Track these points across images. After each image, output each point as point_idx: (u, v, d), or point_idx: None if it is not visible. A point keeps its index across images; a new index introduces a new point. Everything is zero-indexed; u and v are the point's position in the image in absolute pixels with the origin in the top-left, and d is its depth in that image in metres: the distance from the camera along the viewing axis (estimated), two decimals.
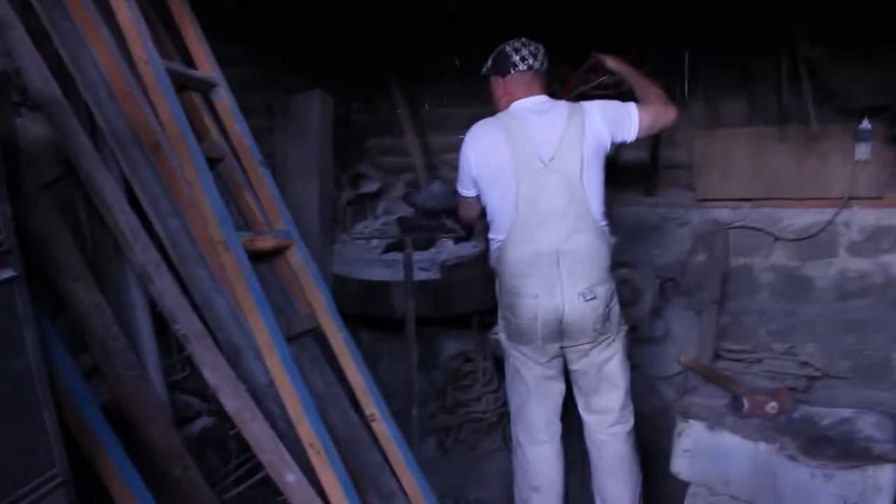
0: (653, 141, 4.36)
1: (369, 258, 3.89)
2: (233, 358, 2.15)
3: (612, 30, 4.01)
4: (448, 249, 3.94)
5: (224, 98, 2.57)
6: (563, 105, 2.79)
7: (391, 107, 4.84)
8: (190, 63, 2.60)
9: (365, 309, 3.88)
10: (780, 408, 2.54)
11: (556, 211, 2.67)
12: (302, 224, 3.84)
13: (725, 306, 4.37)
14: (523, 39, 2.88)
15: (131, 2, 2.29)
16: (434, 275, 3.72)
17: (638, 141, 2.87)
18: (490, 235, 2.92)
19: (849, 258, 4.24)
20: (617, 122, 2.75)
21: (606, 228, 2.82)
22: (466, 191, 2.95)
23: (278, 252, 2.47)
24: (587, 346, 2.78)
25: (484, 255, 3.80)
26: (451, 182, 4.55)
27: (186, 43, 2.60)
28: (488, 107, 4.73)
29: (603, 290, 2.73)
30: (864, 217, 4.20)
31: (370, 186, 4.60)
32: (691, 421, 2.54)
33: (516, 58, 2.82)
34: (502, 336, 2.97)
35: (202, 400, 2.47)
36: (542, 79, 2.88)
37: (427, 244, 3.92)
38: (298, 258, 2.49)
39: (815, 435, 2.43)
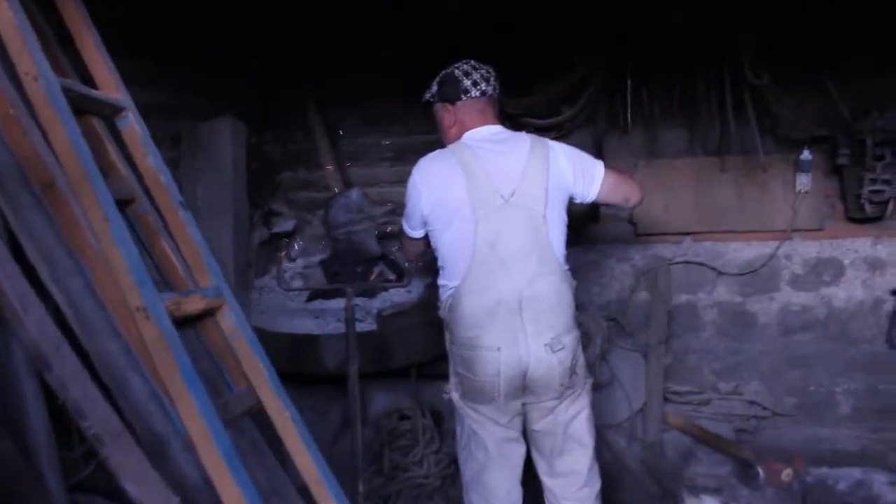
0: None
1: (293, 308, 3.44)
2: (156, 452, 1.68)
3: (554, 49, 3.75)
4: (382, 296, 3.53)
5: (133, 125, 2.09)
6: (523, 135, 2.63)
7: (306, 135, 4.39)
8: (89, 82, 2.10)
9: (290, 366, 3.40)
10: (795, 474, 2.26)
11: (519, 252, 2.45)
12: None
13: (669, 345, 4.16)
14: (472, 62, 2.64)
15: (15, 4, 1.79)
16: (369, 326, 3.30)
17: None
18: (440, 281, 2.64)
19: (791, 292, 4.18)
20: (580, 171, 2.58)
21: (569, 272, 2.60)
22: (414, 231, 2.71)
23: (207, 314, 2.00)
24: (553, 403, 2.55)
25: (424, 302, 3.42)
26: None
27: (84, 57, 2.11)
28: (415, 135, 4.44)
29: (570, 339, 2.52)
30: (806, 249, 4.17)
31: (284, 225, 4.14)
32: (704, 497, 2.22)
33: (467, 82, 2.59)
34: (455, 395, 2.66)
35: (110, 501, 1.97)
36: (495, 106, 2.68)
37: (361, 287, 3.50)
38: (232, 320, 2.02)
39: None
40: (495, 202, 2.44)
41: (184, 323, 1.91)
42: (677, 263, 4.19)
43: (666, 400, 4.13)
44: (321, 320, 3.33)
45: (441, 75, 2.66)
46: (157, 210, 2.08)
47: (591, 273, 4.29)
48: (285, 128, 4.43)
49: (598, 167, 2.60)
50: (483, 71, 2.61)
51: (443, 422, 3.89)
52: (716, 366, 4.26)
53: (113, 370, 1.71)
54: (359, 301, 3.47)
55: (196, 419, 1.67)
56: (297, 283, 3.64)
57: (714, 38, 3.74)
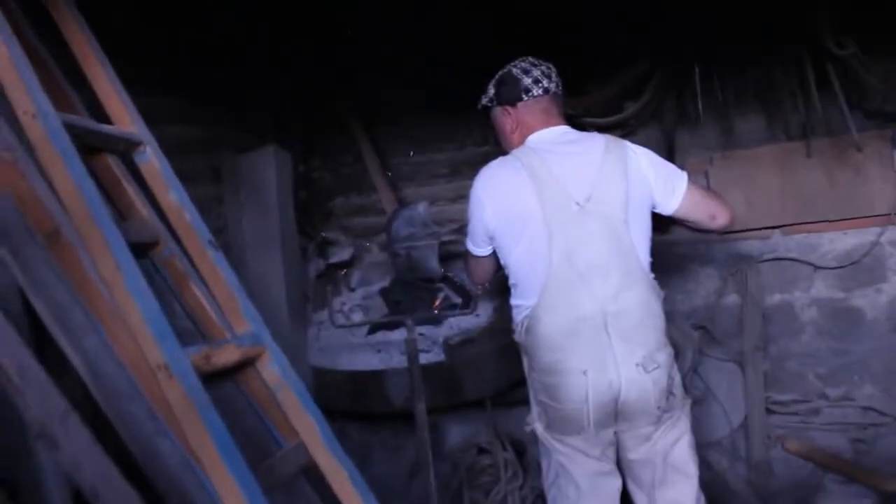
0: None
1: (354, 342, 3.20)
2: None
3: (612, 42, 3.46)
4: (449, 322, 3.27)
5: (152, 160, 1.89)
6: (595, 135, 2.42)
7: (356, 159, 4.18)
8: (103, 118, 1.91)
9: (354, 405, 3.19)
10: None
11: (600, 264, 2.21)
12: (267, 310, 3.16)
13: (766, 351, 3.79)
14: (530, 59, 2.41)
15: (8, 36, 1.61)
16: (436, 356, 3.05)
17: None
18: (514, 302, 2.39)
19: None
20: (663, 177, 2.34)
21: (656, 281, 2.35)
22: (479, 248, 2.45)
23: (246, 364, 1.76)
24: (649, 429, 2.30)
25: (494, 327, 3.14)
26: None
27: (96, 91, 1.92)
28: (469, 147, 4.20)
29: (664, 356, 2.27)
30: None
31: (341, 255, 3.93)
32: None
33: (527, 81, 2.36)
34: (538, 427, 2.41)
35: None
36: (560, 104, 2.44)
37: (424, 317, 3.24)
38: (275, 370, 1.78)
39: None
40: (570, 209, 2.20)
41: (218, 376, 1.68)
42: (767, 261, 3.81)
43: (769, 412, 3.75)
44: (384, 354, 3.09)
45: (497, 76, 2.43)
46: (185, 251, 1.86)
47: (673, 279, 3.94)
48: (333, 153, 4.23)
49: (682, 178, 2.35)
50: (543, 67, 2.38)
51: (525, 452, 3.61)
52: (821, 370, 3.83)
53: (139, 436, 1.49)
54: (423, 330, 3.23)
55: (232, 490, 1.43)
56: (357, 316, 3.41)
57: (787, 11, 3.37)
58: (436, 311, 3.30)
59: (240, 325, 1.81)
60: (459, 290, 3.58)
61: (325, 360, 3.27)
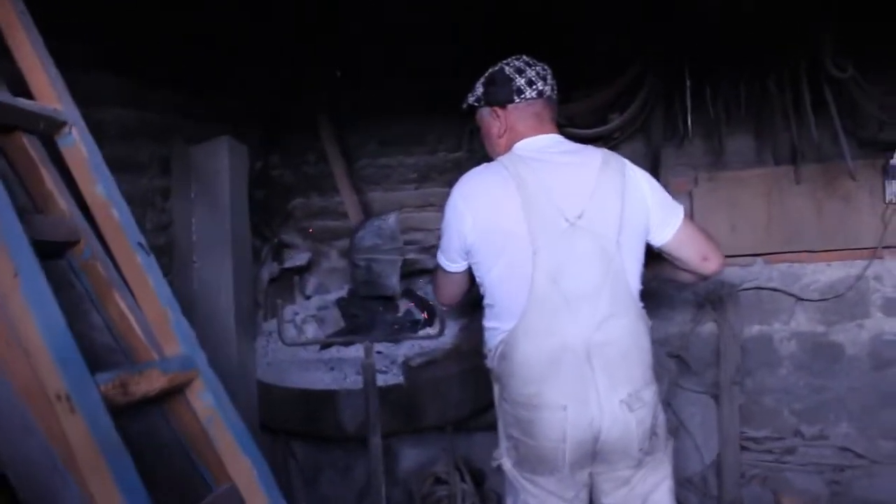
0: None
1: (305, 358, 2.92)
2: None
3: (599, 49, 3.25)
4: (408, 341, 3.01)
5: (78, 145, 1.60)
6: (591, 148, 2.17)
7: (319, 158, 3.91)
8: (26, 95, 1.62)
9: (304, 426, 2.91)
10: None
11: (587, 288, 2.00)
12: (213, 318, 2.88)
13: (742, 384, 3.60)
14: (524, 58, 2.18)
15: None
16: (394, 377, 2.78)
17: None
18: (487, 324, 2.15)
19: (883, 319, 3.61)
20: (659, 204, 2.13)
21: (644, 311, 2.13)
22: (453, 264, 2.19)
23: (174, 391, 1.49)
24: (629, 472, 2.09)
25: (458, 348, 2.89)
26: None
27: (17, 59, 1.63)
28: (440, 154, 3.95)
29: (650, 394, 2.08)
30: None
31: (299, 259, 3.65)
32: None
33: (520, 81, 2.13)
34: (506, 463, 2.17)
35: None
36: (554, 110, 2.22)
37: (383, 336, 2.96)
38: (208, 400, 1.51)
39: None
40: (559, 226, 1.98)
41: (139, 405, 1.40)
42: (747, 289, 3.64)
43: (742, 448, 3.57)
44: (337, 372, 2.82)
45: (488, 74, 2.19)
46: (110, 254, 1.58)
47: (647, 303, 3.72)
48: (295, 150, 3.96)
49: (679, 209, 2.15)
50: (538, 68, 2.15)
51: (485, 482, 3.36)
52: (797, 406, 3.69)
53: (32, 481, 1.21)
54: (381, 348, 2.97)
55: None
56: (310, 329, 3.13)
57: (787, 26, 3.20)
58: (396, 329, 3.04)
59: (169, 344, 1.53)
60: (423, 304, 3.32)
61: (273, 376, 2.98)
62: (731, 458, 3.47)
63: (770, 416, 3.69)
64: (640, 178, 2.11)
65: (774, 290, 3.63)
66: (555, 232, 1.97)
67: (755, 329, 3.67)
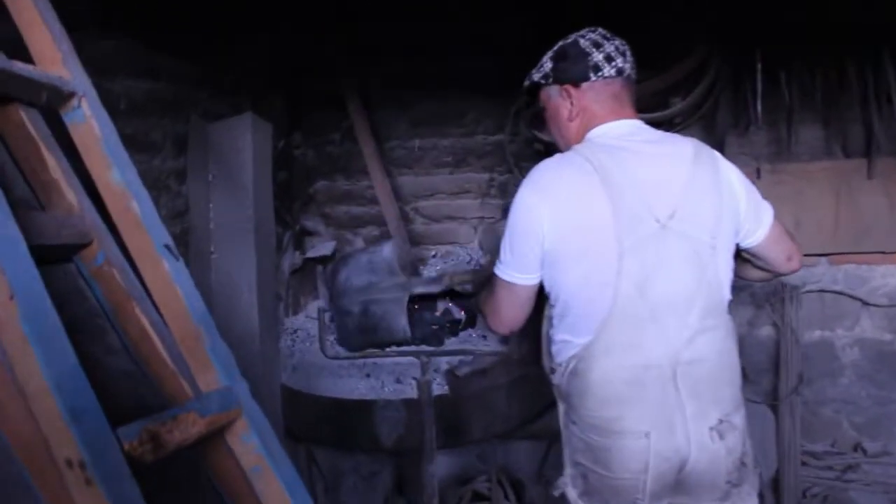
0: None
1: (337, 362, 2.60)
2: None
3: (668, 24, 2.94)
4: (451, 341, 2.71)
5: (90, 121, 1.29)
6: (679, 138, 1.92)
7: (345, 137, 3.59)
8: (23, 56, 1.30)
9: (335, 437, 2.61)
10: None
11: (677, 298, 1.74)
12: (234, 317, 2.57)
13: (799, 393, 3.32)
14: (601, 30, 1.87)
15: None
16: (438, 387, 2.48)
17: None
18: (557, 336, 1.87)
19: None
20: (752, 202, 1.90)
21: (733, 323, 1.89)
22: (523, 275, 1.84)
23: (213, 434, 1.18)
24: None
25: (508, 357, 2.60)
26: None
27: (12, 14, 1.31)
28: (478, 137, 3.64)
29: (740, 419, 1.84)
30: None
31: (323, 248, 3.33)
32: None
33: (598, 56, 1.83)
34: (572, 493, 1.90)
35: None
36: (633, 91, 1.91)
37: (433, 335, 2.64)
38: (253, 443, 1.21)
39: None
40: (648, 227, 1.71)
41: (169, 456, 1.09)
42: (810, 292, 3.34)
43: (803, 464, 3.29)
44: (374, 380, 2.52)
45: (558, 47, 1.88)
46: (128, 257, 1.27)
47: None
48: (319, 128, 3.63)
49: (768, 208, 1.92)
50: (617, 42, 1.85)
51: (525, 493, 3.09)
52: (858, 419, 3.43)
53: None
54: (407, 349, 2.65)
55: None
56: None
57: (869, 8, 2.88)
58: (436, 329, 2.73)
59: (205, 374, 1.22)
60: (462, 302, 3.01)
61: (300, 382, 2.67)
62: (792, 476, 3.19)
63: (829, 429, 3.44)
64: (731, 173, 1.86)
65: (839, 293, 3.35)
66: (644, 233, 1.70)
67: (816, 334, 3.41)
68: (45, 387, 0.89)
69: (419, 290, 2.82)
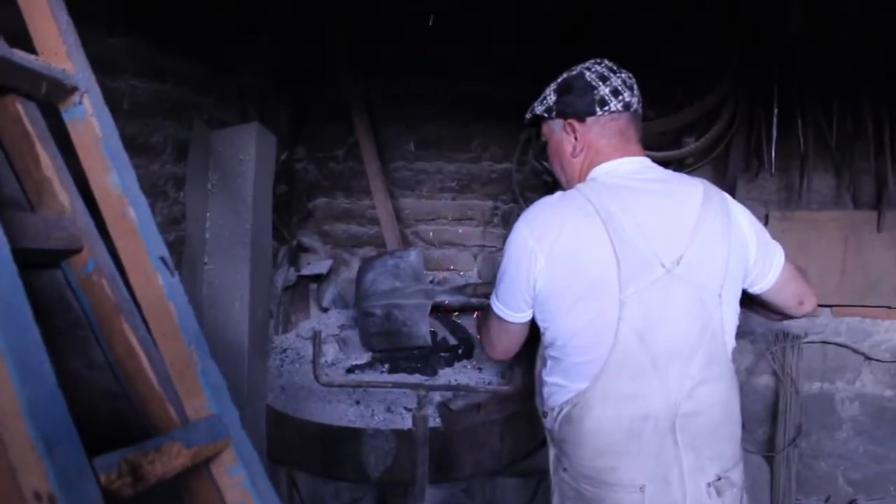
0: None
1: (326, 387, 2.50)
2: None
3: (679, 63, 2.90)
4: (445, 372, 2.62)
5: (90, 119, 1.21)
6: (687, 178, 1.82)
7: (348, 154, 3.52)
8: (28, 46, 1.22)
9: (319, 464, 2.50)
10: None
11: (680, 347, 1.66)
12: (223, 331, 2.48)
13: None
14: (608, 63, 1.80)
15: None
16: (430, 420, 2.38)
17: None
18: (549, 378, 1.80)
19: None
20: (762, 246, 1.81)
21: (735, 374, 1.82)
22: (513, 313, 1.79)
23: (197, 466, 1.09)
24: None
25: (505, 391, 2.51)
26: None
27: (21, 5, 1.23)
28: (484, 164, 3.58)
29: (738, 474, 1.77)
30: None
31: (319, 266, 3.25)
32: None
33: (604, 90, 1.76)
34: None
35: None
36: (639, 128, 1.84)
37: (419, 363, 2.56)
38: (239, 476, 1.12)
39: None
40: (653, 273, 1.62)
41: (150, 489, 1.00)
42: (812, 343, 3.27)
43: None
44: (363, 407, 2.43)
45: (562, 79, 1.81)
46: (121, 269, 1.18)
47: None
48: (322, 143, 3.55)
49: (779, 250, 1.84)
50: (624, 75, 1.77)
51: None
52: (854, 475, 3.36)
53: None
54: (405, 379, 2.56)
55: None
56: (331, 350, 2.72)
57: (886, 58, 2.85)
58: (427, 357, 2.65)
59: (193, 398, 1.13)
60: (458, 331, 2.93)
61: (286, 404, 2.57)
62: None
63: (824, 484, 3.37)
64: (741, 216, 1.78)
65: (842, 345, 3.29)
66: (649, 279, 1.62)
67: (815, 386, 3.34)
68: (17, 410, 0.80)
69: (443, 298, 2.80)
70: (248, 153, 2.57)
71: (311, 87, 3.45)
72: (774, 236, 3.16)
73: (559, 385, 1.74)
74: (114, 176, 1.19)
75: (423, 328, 2.72)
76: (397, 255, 2.93)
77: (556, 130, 1.82)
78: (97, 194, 1.20)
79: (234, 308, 2.51)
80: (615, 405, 1.65)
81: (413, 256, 2.93)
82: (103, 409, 1.16)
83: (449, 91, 3.32)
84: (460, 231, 3.49)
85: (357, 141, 3.35)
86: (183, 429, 1.05)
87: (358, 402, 2.46)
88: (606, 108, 1.73)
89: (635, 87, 1.77)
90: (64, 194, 1.17)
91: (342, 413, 2.44)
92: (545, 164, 3.01)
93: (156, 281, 1.15)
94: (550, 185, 3.10)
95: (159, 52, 2.36)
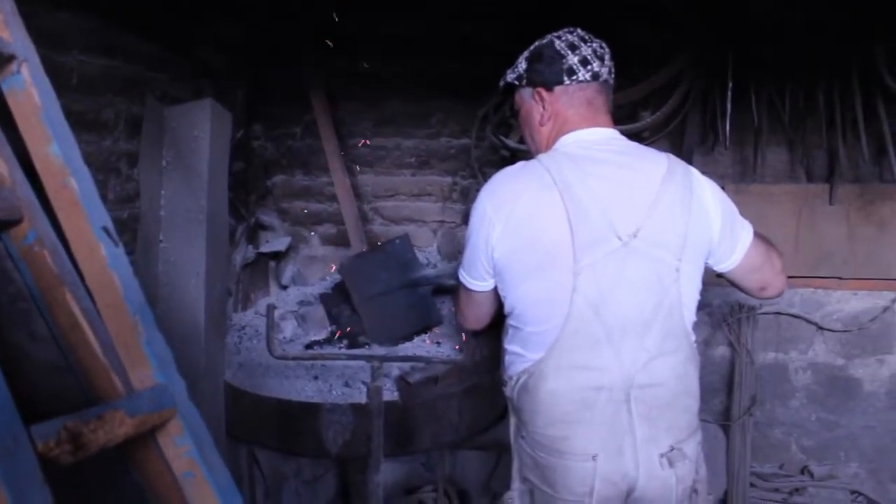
0: None
1: (284, 362, 2.50)
2: None
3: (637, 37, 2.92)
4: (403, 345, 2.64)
5: (30, 89, 1.19)
6: (653, 151, 1.81)
7: (306, 132, 3.50)
8: None
9: (278, 440, 2.51)
10: None
11: (635, 320, 1.67)
12: (180, 311, 2.46)
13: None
14: (579, 31, 1.80)
15: None
16: (388, 393, 2.40)
17: None
18: (509, 346, 1.82)
19: None
20: (728, 222, 1.79)
21: (696, 347, 1.82)
22: (477, 282, 1.83)
23: (143, 435, 1.09)
24: None
25: (462, 364, 2.53)
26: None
27: None
28: (442, 139, 3.57)
29: (693, 446, 1.78)
30: None
31: (278, 243, 3.23)
32: None
33: (573, 59, 1.76)
34: None
35: None
36: (609, 98, 1.84)
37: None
38: (186, 445, 1.12)
39: None
40: (609, 244, 1.63)
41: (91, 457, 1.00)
42: (766, 314, 3.35)
43: (751, 486, 3.29)
44: (322, 382, 2.43)
45: (532, 48, 1.81)
46: (64, 240, 1.17)
47: None
48: (280, 120, 3.53)
49: (747, 229, 1.82)
50: (595, 45, 1.77)
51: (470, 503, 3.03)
52: (806, 442, 3.46)
53: None
54: (365, 352, 2.58)
55: None
56: (289, 327, 2.73)
57: (842, 34, 2.90)
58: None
59: (138, 369, 1.13)
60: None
61: (245, 380, 2.57)
62: (741, 497, 3.18)
63: (777, 451, 3.46)
64: (707, 191, 1.75)
65: (795, 316, 3.37)
66: (604, 251, 1.63)
67: (770, 356, 3.42)
68: None
69: (438, 279, 2.91)
70: (202, 130, 2.54)
71: (269, 65, 3.41)
72: None
73: (518, 354, 1.76)
74: (54, 146, 1.18)
75: (433, 308, 2.82)
76: (382, 250, 2.99)
77: (526, 99, 1.83)
78: (38, 165, 1.19)
79: (191, 285, 2.50)
80: (568, 375, 1.67)
81: (399, 246, 2.97)
82: (47, 383, 1.16)
83: (407, 67, 3.30)
84: (420, 207, 3.49)
85: (314, 119, 3.32)
86: (126, 398, 1.05)
87: (316, 378, 2.46)
88: (574, 77, 1.73)
89: (606, 56, 1.77)
90: (2, 164, 1.15)
91: (300, 388, 2.44)
92: (502, 138, 3.03)
93: (99, 251, 1.14)
94: (508, 159, 3.11)
95: (110, 28, 2.31)
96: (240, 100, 3.26)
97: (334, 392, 2.40)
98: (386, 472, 3.02)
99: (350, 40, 3.30)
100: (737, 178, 3.33)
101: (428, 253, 3.41)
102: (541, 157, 1.74)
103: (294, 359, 2.34)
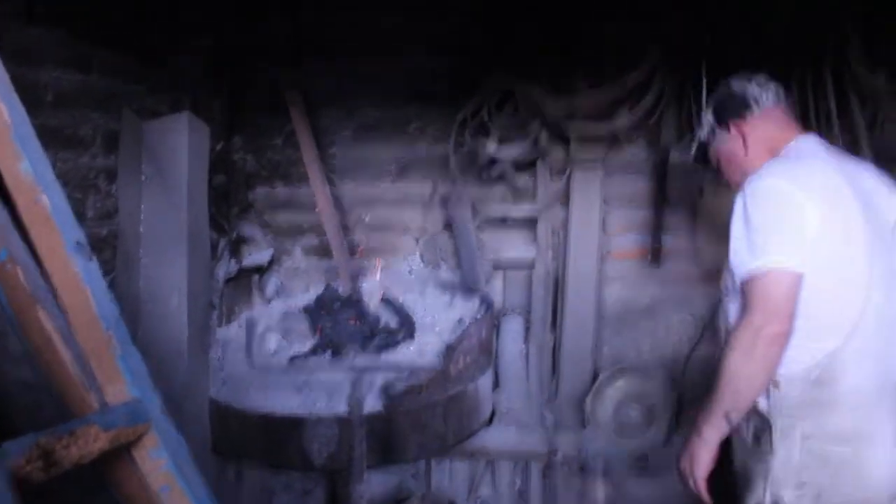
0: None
1: (268, 376, 2.49)
2: None
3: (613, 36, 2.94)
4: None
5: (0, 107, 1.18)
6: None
7: (286, 143, 3.49)
8: None
9: (264, 454, 2.50)
10: None
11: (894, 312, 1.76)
12: (162, 326, 2.45)
13: None
14: (738, 75, 2.01)
15: None
16: (372, 405, 2.39)
17: None
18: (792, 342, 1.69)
19: None
20: None
21: None
22: (791, 258, 1.65)
23: (119, 450, 1.08)
24: None
25: (445, 373, 2.52)
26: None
27: None
28: (419, 146, 3.53)
29: None
30: None
31: (260, 257, 3.22)
32: None
33: (753, 90, 1.94)
34: None
35: None
36: (793, 112, 2.04)
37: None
38: (161, 460, 1.11)
39: None
40: (884, 236, 1.76)
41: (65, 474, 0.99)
42: None
43: None
44: (306, 395, 2.42)
45: (711, 103, 2.02)
46: (36, 256, 1.16)
47: (642, 322, 3.44)
48: (259, 132, 3.51)
49: None
50: (760, 79, 1.96)
51: None
52: None
53: None
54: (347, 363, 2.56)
55: None
56: (273, 340, 2.71)
57: (814, 26, 2.93)
58: (372, 342, 2.65)
59: (113, 384, 1.12)
60: (399, 312, 2.94)
61: (229, 395, 2.55)
62: None
63: None
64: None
65: None
66: (886, 243, 1.75)
67: None
68: None
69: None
70: (180, 143, 2.54)
71: (246, 73, 3.39)
72: (708, 207, 3.24)
73: (803, 347, 1.68)
74: (25, 163, 1.17)
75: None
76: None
77: (724, 143, 1.95)
78: (9, 183, 1.18)
79: (173, 301, 2.48)
80: (868, 363, 1.69)
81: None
82: (21, 403, 1.15)
83: (384, 68, 3.30)
84: (401, 215, 3.48)
85: (294, 129, 3.31)
86: (100, 412, 1.05)
87: (300, 391, 2.45)
88: (761, 103, 1.89)
89: (771, 82, 1.93)
90: None
91: (284, 402, 2.42)
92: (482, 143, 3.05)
93: (72, 267, 1.14)
94: (487, 165, 3.13)
95: (84, 43, 2.31)
96: (218, 111, 3.24)
97: (319, 405, 2.39)
98: (373, 484, 3.02)
99: (328, 42, 3.30)
100: (715, 178, 3.33)
101: (410, 261, 3.40)
102: (790, 156, 1.83)
103: (275, 369, 2.33)
